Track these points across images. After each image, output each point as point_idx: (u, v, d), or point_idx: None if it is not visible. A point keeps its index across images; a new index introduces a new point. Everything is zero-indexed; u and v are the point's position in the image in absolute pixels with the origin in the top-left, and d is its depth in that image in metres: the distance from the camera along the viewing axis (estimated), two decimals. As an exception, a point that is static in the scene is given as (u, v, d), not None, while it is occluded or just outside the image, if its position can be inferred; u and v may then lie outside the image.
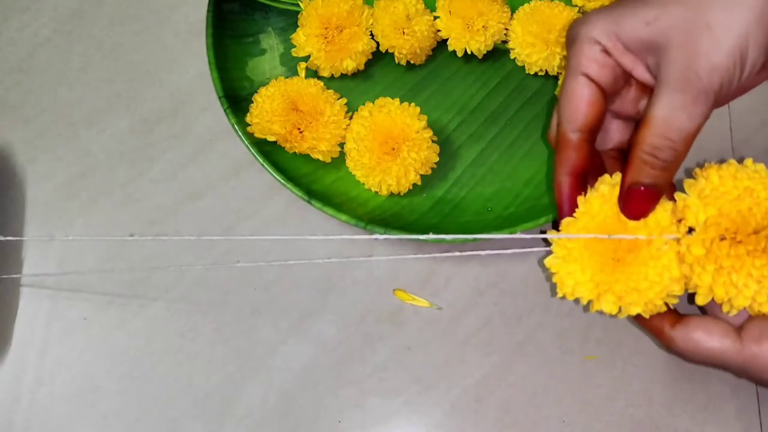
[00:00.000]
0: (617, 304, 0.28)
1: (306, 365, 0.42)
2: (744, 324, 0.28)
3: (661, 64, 0.26)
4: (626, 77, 0.30)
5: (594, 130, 0.30)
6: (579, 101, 0.29)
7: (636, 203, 0.28)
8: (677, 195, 0.29)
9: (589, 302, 0.29)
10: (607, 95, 0.30)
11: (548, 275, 0.30)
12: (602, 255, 0.28)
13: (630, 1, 0.28)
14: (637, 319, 0.30)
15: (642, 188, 0.27)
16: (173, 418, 0.41)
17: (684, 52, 0.25)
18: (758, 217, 0.27)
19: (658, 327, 0.30)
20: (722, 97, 0.26)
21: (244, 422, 0.41)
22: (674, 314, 0.30)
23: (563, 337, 0.42)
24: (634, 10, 0.27)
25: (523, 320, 0.42)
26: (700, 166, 0.29)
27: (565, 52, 0.44)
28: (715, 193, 0.27)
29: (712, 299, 0.28)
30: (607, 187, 0.29)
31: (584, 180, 0.30)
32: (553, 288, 0.29)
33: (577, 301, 0.29)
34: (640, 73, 0.29)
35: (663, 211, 0.28)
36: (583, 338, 0.42)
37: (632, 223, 0.28)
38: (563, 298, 0.29)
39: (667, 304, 0.29)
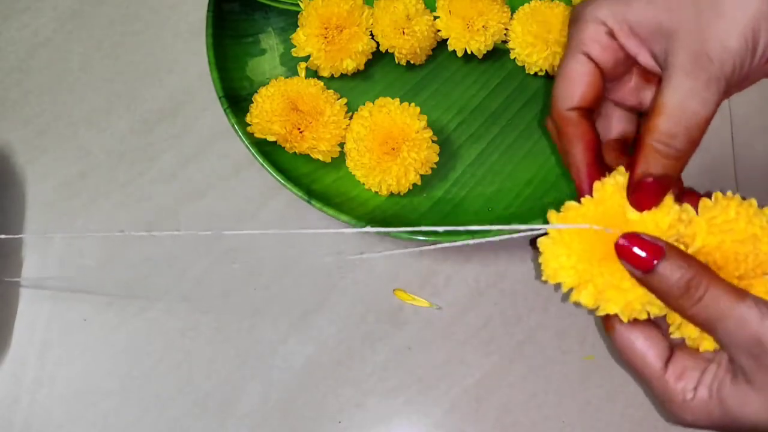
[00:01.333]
0: (596, 298, 0.28)
1: (306, 365, 0.42)
2: (674, 352, 0.28)
3: (670, 49, 0.26)
4: (628, 63, 0.30)
5: (591, 110, 0.29)
6: (577, 79, 0.28)
7: (646, 194, 0.27)
8: (685, 207, 0.28)
9: (570, 291, 0.28)
10: (606, 79, 0.29)
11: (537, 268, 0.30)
12: (592, 245, 0.27)
13: None
14: (607, 327, 0.29)
15: (651, 180, 0.26)
16: (173, 418, 0.41)
17: (695, 35, 0.25)
18: (748, 266, 0.27)
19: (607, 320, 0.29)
20: (734, 82, 0.26)
21: (244, 422, 0.41)
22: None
23: (563, 338, 0.42)
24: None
25: (523, 320, 0.42)
26: (723, 192, 0.28)
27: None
28: (724, 226, 0.27)
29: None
30: (622, 177, 0.28)
31: (599, 155, 0.30)
32: (556, 286, 0.29)
33: (568, 294, 0.28)
34: (645, 59, 0.29)
35: (664, 214, 0.28)
36: (583, 338, 0.42)
37: (633, 219, 0.28)
38: (546, 282, 0.28)
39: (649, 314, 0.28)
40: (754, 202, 0.28)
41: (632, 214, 0.28)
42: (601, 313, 0.28)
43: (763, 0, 0.24)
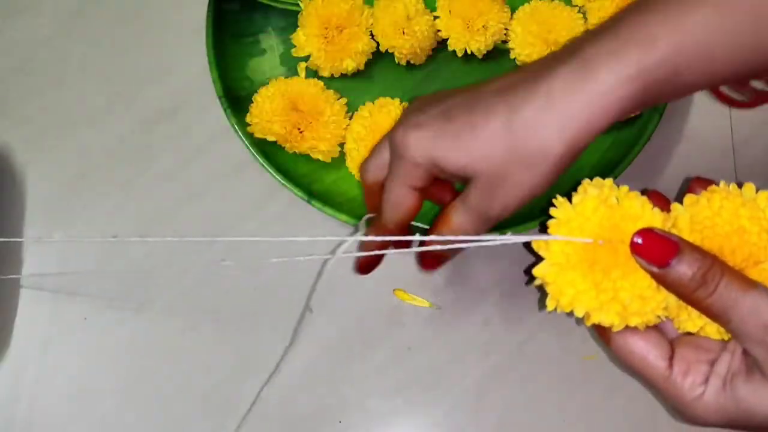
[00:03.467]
0: (621, 315, 0.27)
1: (306, 365, 0.42)
2: (675, 349, 0.28)
3: (469, 187, 0.31)
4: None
5: (410, 221, 0.34)
6: (403, 208, 0.33)
7: (429, 262, 0.36)
8: (674, 206, 0.28)
9: (584, 316, 0.27)
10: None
11: (537, 285, 0.29)
12: (601, 262, 0.27)
13: (448, 130, 0.30)
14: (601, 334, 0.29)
15: (430, 258, 0.36)
16: (173, 418, 0.41)
17: (485, 191, 0.30)
18: (736, 259, 0.27)
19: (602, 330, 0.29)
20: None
21: (244, 422, 0.41)
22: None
23: (563, 338, 0.42)
24: (454, 143, 0.30)
25: (524, 320, 0.42)
26: (715, 182, 0.28)
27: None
28: (707, 222, 0.27)
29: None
30: (597, 189, 0.28)
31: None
32: (542, 299, 0.28)
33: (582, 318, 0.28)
34: (453, 182, 0.35)
35: (652, 217, 0.27)
36: (583, 338, 0.42)
37: (628, 230, 0.27)
38: (554, 311, 0.27)
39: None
40: (747, 189, 0.27)
41: (622, 222, 0.27)
42: (617, 328, 0.27)
43: (542, 179, 0.29)
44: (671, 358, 0.28)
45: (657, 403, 0.40)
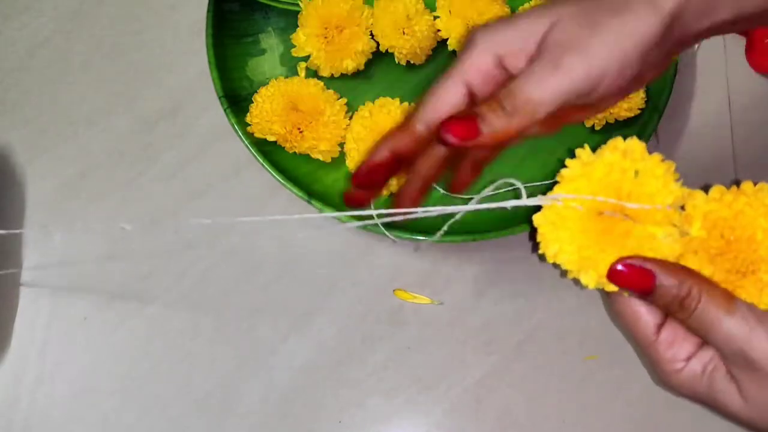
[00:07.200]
0: (597, 281, 0.27)
1: (306, 365, 0.42)
2: (668, 319, 0.28)
3: (532, 63, 0.29)
4: (501, 82, 0.31)
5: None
6: (447, 104, 0.30)
7: (456, 128, 0.29)
8: (695, 194, 0.27)
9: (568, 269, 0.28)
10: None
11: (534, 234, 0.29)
12: (594, 232, 0.27)
13: (520, 17, 0.29)
14: (620, 315, 0.29)
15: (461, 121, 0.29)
16: (173, 418, 0.41)
17: (553, 56, 0.28)
18: (738, 264, 0.27)
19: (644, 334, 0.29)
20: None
21: (244, 422, 0.41)
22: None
23: (563, 337, 0.42)
24: (526, 24, 0.29)
25: (523, 320, 0.42)
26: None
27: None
28: (720, 221, 0.27)
29: None
30: (617, 155, 0.27)
31: (396, 166, 0.32)
32: (560, 272, 0.28)
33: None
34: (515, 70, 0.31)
35: (665, 195, 0.27)
36: (583, 338, 0.42)
37: (633, 201, 0.27)
38: (543, 255, 0.28)
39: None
40: (765, 200, 0.27)
41: (629, 196, 0.27)
42: (601, 287, 0.28)
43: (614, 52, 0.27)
44: (661, 326, 0.28)
45: (657, 403, 0.40)
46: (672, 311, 0.27)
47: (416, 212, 0.30)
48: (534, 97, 0.28)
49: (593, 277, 0.27)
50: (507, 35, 0.29)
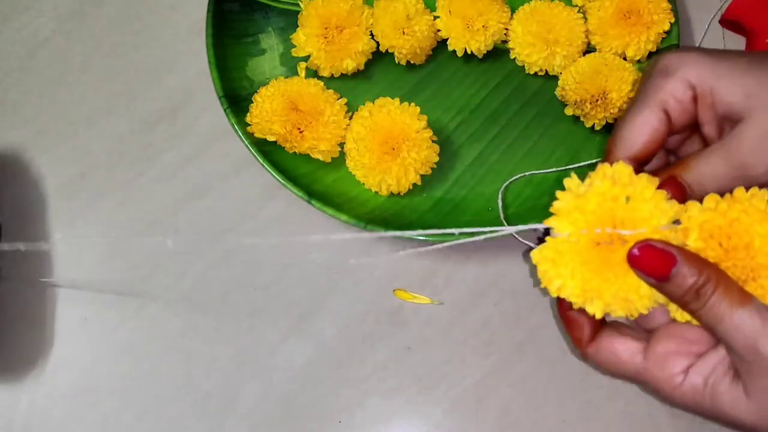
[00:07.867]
0: (604, 311, 0.28)
1: (306, 365, 0.42)
2: (650, 340, 0.28)
3: (732, 133, 0.27)
4: (691, 128, 0.30)
5: (643, 164, 0.30)
6: (646, 133, 0.29)
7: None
8: (690, 205, 0.27)
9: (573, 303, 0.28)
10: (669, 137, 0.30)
11: (532, 269, 0.29)
12: (595, 263, 0.27)
13: (731, 60, 0.28)
14: (565, 320, 0.30)
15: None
16: (173, 418, 0.41)
17: (757, 137, 0.26)
18: (738, 272, 0.27)
19: (578, 338, 0.30)
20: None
21: (244, 422, 0.41)
22: (592, 329, 0.30)
23: (563, 337, 0.42)
24: (734, 73, 0.27)
25: (523, 320, 0.42)
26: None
27: (564, 52, 0.44)
28: (716, 231, 0.27)
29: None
30: (606, 183, 0.27)
31: None
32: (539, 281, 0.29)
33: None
34: (709, 130, 0.29)
35: (658, 217, 0.27)
36: (583, 338, 0.42)
37: (628, 228, 0.27)
38: (545, 289, 0.28)
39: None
40: (761, 204, 0.27)
41: (624, 224, 0.27)
42: (599, 316, 0.28)
43: None
44: (646, 351, 0.28)
45: (657, 403, 0.40)
46: (685, 301, 0.26)
47: (454, 233, 0.29)
48: None
49: (599, 306, 0.27)
50: (706, 76, 0.28)
